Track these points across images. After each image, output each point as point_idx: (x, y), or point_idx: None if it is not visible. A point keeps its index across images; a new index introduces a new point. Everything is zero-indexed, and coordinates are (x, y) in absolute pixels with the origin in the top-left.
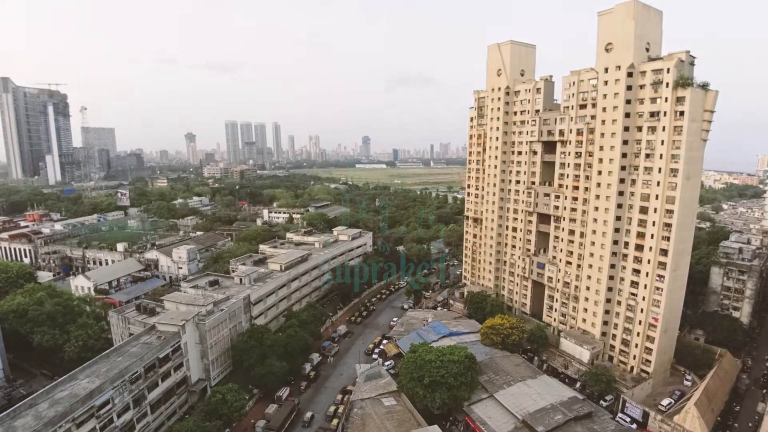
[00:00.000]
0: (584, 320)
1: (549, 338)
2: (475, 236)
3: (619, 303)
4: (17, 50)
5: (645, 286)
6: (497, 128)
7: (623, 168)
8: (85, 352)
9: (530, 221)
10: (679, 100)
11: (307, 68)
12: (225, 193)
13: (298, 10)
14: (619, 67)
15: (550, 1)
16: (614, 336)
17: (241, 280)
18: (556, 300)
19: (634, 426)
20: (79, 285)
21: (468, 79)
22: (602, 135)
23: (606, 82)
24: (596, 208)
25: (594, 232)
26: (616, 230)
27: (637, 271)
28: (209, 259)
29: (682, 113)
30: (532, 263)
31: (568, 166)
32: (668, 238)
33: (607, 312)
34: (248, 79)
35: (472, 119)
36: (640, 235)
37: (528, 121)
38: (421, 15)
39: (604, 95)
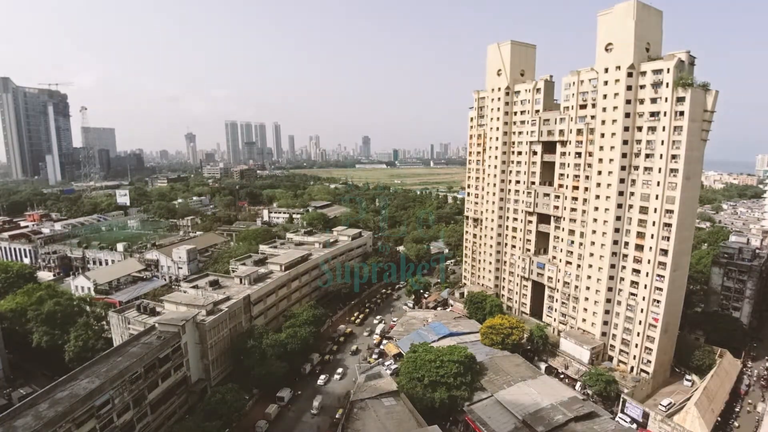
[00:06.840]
0: (584, 320)
1: (549, 338)
2: (475, 236)
3: (619, 303)
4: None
5: (645, 286)
6: (497, 128)
7: (623, 168)
8: (85, 352)
9: (530, 221)
10: (679, 100)
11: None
12: (225, 193)
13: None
14: (619, 67)
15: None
16: (614, 336)
17: (241, 280)
18: (556, 300)
19: (634, 426)
20: (79, 285)
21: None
22: (602, 135)
23: (606, 82)
24: (596, 208)
25: (594, 232)
26: (616, 230)
27: (637, 271)
28: (209, 259)
29: (682, 113)
30: (532, 263)
31: (568, 166)
32: (668, 238)
33: (607, 312)
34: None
35: (472, 119)
36: (640, 235)
37: (528, 121)
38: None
39: (604, 95)
